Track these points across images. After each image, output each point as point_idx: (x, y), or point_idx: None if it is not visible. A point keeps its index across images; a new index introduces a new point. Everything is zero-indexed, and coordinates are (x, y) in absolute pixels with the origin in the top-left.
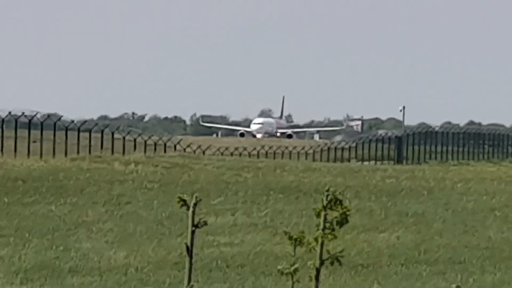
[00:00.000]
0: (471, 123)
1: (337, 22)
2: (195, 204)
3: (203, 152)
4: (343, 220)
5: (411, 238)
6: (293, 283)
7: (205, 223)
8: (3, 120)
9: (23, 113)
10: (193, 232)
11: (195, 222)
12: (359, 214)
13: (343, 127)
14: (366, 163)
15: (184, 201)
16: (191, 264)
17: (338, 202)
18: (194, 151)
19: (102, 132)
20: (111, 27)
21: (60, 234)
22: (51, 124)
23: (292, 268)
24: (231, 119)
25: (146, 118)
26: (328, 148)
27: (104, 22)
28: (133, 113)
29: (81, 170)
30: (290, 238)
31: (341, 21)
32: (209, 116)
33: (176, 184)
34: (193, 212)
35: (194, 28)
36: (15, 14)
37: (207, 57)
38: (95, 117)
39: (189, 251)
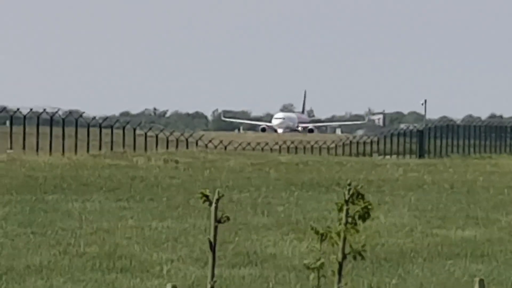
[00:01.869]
0: (493, 116)
1: (359, 17)
2: (217, 200)
3: (225, 148)
4: (365, 215)
5: (434, 233)
6: (319, 278)
7: (228, 219)
8: (24, 117)
9: (44, 109)
10: (215, 227)
11: (218, 218)
12: (380, 209)
13: (365, 121)
14: (388, 157)
15: (207, 196)
16: (214, 259)
17: (360, 196)
18: (216, 147)
19: (123, 128)
20: (133, 24)
21: (81, 232)
22: (72, 120)
23: (318, 263)
24: (253, 114)
25: (168, 114)
26: (350, 142)
27: (125, 19)
28: (155, 109)
29: (103, 167)
30: (317, 232)
31: (363, 16)
32: (231, 112)
33: (197, 180)
34: (216, 208)
35: (216, 24)
36: (39, 12)
37: (229, 52)
38: (116, 113)
39: (212, 246)
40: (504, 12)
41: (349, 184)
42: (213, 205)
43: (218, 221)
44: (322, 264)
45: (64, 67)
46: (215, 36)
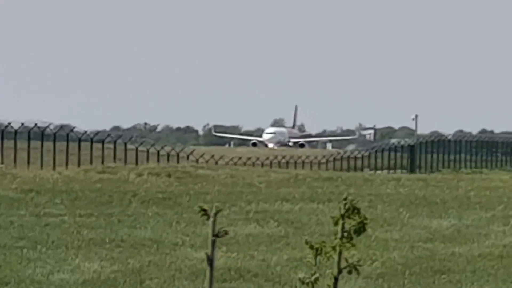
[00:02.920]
0: (484, 131)
1: (349, 32)
2: (215, 214)
3: (216, 162)
4: (360, 229)
5: (425, 247)
6: None
7: (226, 233)
8: (16, 131)
9: (35, 124)
10: (213, 241)
11: (216, 232)
12: (373, 223)
13: (356, 136)
14: (379, 172)
15: (205, 210)
16: (212, 273)
17: (355, 210)
18: (207, 161)
19: (115, 142)
20: (124, 38)
21: (73, 245)
22: (63, 135)
23: (313, 277)
24: (244, 129)
25: (159, 129)
26: (341, 157)
27: (116, 33)
28: (145, 124)
29: (94, 181)
30: (311, 247)
31: (353, 31)
32: (222, 126)
33: (188, 194)
34: (214, 222)
35: (206, 38)
36: (27, 24)
37: (219, 67)
38: (107, 128)
39: (210, 260)
40: (494, 27)
41: (345, 199)
42: (211, 219)
43: (215, 235)
44: (317, 278)
45: (55, 82)
46: (206, 51)
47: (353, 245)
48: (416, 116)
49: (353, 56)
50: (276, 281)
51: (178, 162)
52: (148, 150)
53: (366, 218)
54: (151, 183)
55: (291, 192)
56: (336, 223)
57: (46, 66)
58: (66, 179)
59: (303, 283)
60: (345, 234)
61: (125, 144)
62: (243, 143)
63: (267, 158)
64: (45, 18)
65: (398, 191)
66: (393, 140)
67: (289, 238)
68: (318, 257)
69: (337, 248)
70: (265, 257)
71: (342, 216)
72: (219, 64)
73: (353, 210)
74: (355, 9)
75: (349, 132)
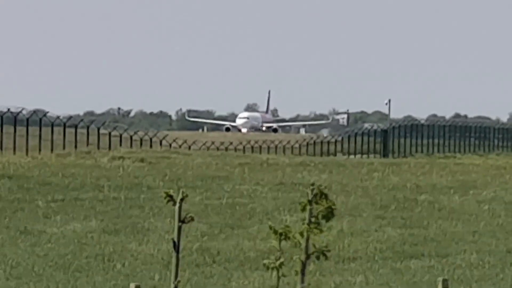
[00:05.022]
0: (457, 116)
1: (322, 16)
2: (181, 200)
3: (189, 147)
4: (328, 214)
5: (398, 232)
6: (278, 277)
7: (192, 219)
8: None
9: (8, 109)
10: (179, 227)
11: (182, 218)
12: (345, 208)
13: (329, 121)
14: (352, 156)
15: (171, 196)
16: (178, 259)
17: (323, 196)
18: (180, 146)
19: (88, 127)
20: (97, 23)
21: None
22: (36, 120)
23: (278, 262)
24: (217, 113)
25: (132, 114)
26: (314, 142)
27: (90, 18)
28: (119, 109)
29: (67, 166)
30: (275, 232)
31: (326, 16)
32: (195, 111)
33: (162, 180)
34: (180, 208)
35: (179, 23)
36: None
37: (192, 52)
38: (81, 112)
39: (176, 246)
40: (467, 14)
41: (312, 184)
42: (177, 205)
43: (182, 221)
44: (282, 263)
45: (28, 67)
46: (179, 36)
47: (321, 231)
48: (389, 100)
49: (326, 41)
50: (247, 266)
51: (151, 147)
52: (121, 135)
53: (334, 204)
54: (123, 168)
55: (264, 177)
56: (303, 209)
57: (19, 51)
58: (39, 164)
59: (268, 268)
60: (313, 219)
61: (98, 129)
62: (216, 128)
63: (240, 143)
64: (17, 3)
65: (371, 176)
66: (366, 125)
67: (260, 224)
68: (285, 242)
69: (305, 234)
70: (236, 242)
71: (310, 202)
72: (192, 49)
73: (320, 195)
74: None
75: (322, 116)
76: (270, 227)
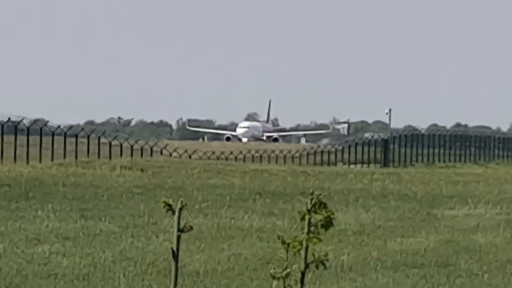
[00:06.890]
0: (458, 125)
1: (323, 26)
2: (180, 209)
3: (190, 157)
4: (327, 224)
5: (398, 241)
6: (284, 287)
7: (191, 228)
8: None
9: (9, 118)
10: (178, 236)
11: (181, 227)
12: (346, 218)
13: (329, 131)
14: (352, 166)
15: (170, 205)
16: (177, 269)
17: (322, 205)
18: (180, 156)
19: (88, 137)
20: (97, 32)
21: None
22: (37, 129)
23: (284, 272)
24: (217, 123)
25: (132, 123)
26: (315, 152)
27: (89, 27)
28: (119, 118)
29: (68, 176)
30: (283, 242)
31: (327, 25)
32: (196, 120)
33: (162, 189)
34: (179, 217)
35: (180, 32)
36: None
37: (193, 61)
38: (81, 122)
39: (175, 255)
40: (469, 22)
41: (312, 193)
42: (176, 214)
43: (181, 230)
44: (288, 273)
45: (29, 76)
46: (180, 46)
47: (320, 240)
48: (390, 110)
49: (327, 50)
50: (247, 275)
51: (151, 156)
52: (121, 145)
53: (333, 213)
54: (124, 178)
55: (265, 186)
56: (303, 218)
57: (19, 60)
58: (40, 174)
59: (274, 278)
60: (312, 228)
61: (99, 138)
62: (217, 137)
63: (241, 152)
64: (17, 11)
65: (372, 185)
66: (367, 134)
67: (261, 233)
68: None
69: (304, 243)
70: (237, 251)
71: (309, 211)
72: (193, 59)
73: (320, 205)
74: (329, 3)
75: (323, 126)
76: (278, 237)
